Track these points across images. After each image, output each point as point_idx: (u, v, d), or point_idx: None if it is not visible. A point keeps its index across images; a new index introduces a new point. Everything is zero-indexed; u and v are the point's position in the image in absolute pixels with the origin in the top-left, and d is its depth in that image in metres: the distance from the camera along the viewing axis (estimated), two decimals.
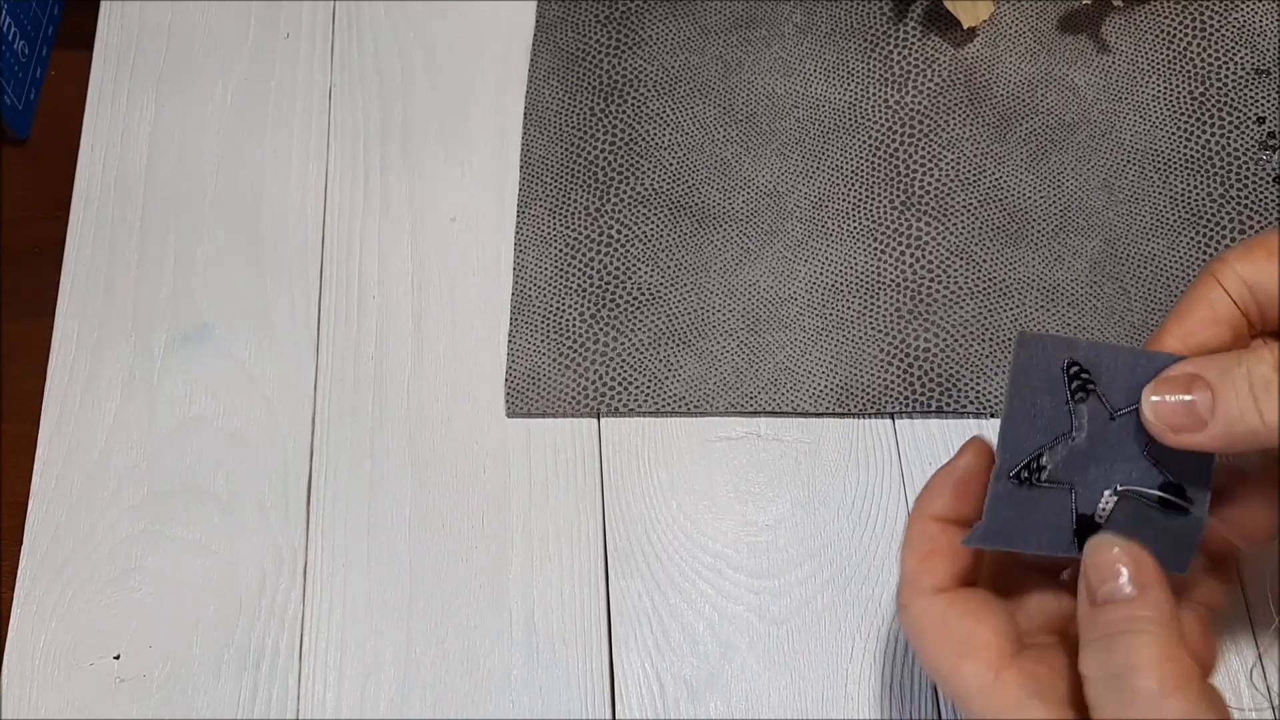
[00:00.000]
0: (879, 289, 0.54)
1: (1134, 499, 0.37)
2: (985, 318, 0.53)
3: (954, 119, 0.57)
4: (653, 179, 0.57)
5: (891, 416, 0.52)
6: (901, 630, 0.48)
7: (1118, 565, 0.35)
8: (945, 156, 0.57)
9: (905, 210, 0.56)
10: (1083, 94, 0.58)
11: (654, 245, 0.55)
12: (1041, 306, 0.54)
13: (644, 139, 0.58)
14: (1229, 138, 0.56)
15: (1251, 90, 0.57)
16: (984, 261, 0.55)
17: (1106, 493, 0.37)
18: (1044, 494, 0.37)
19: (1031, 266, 0.54)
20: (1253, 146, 0.56)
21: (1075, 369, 0.36)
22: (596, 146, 0.57)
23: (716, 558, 0.50)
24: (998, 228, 0.55)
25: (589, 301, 0.54)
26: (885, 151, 0.57)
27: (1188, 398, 0.35)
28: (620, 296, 0.54)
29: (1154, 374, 0.36)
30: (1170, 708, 0.33)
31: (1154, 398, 0.36)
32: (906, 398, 0.52)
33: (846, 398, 0.52)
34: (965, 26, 0.58)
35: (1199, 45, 0.58)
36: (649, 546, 0.50)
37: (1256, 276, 0.37)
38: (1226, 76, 0.58)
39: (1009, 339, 0.53)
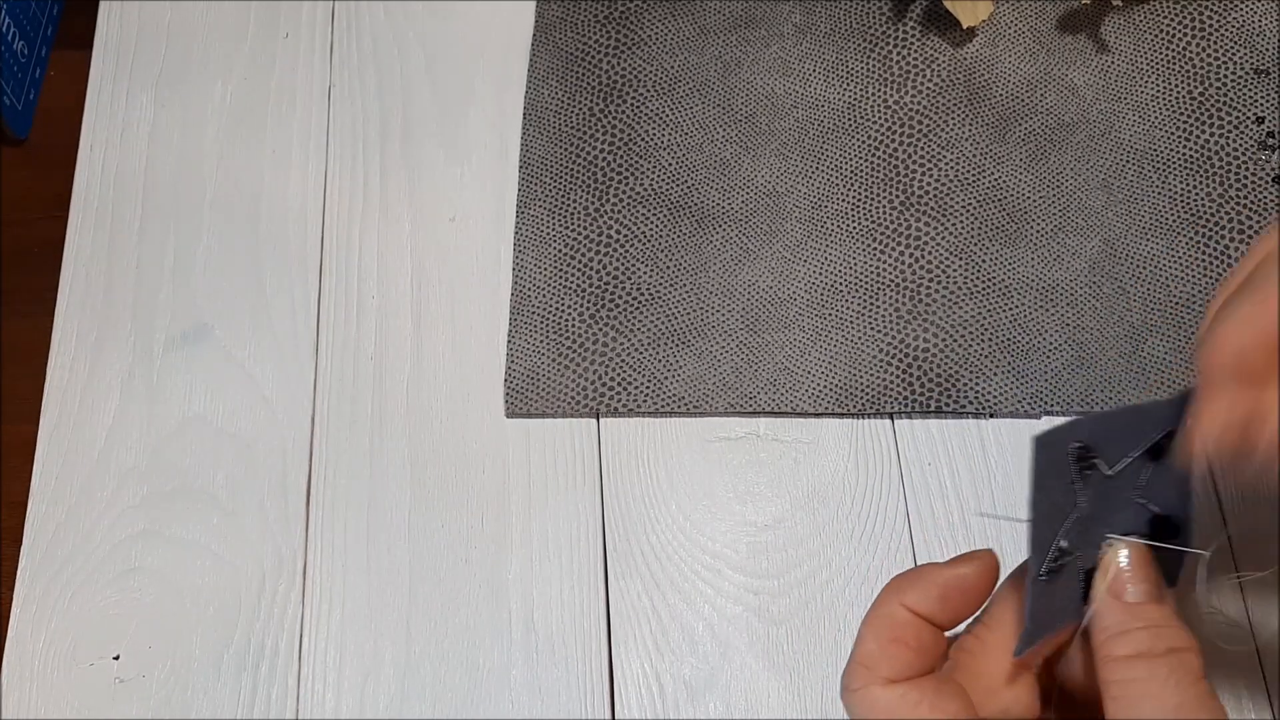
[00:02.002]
0: (878, 289, 0.54)
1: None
2: (985, 318, 0.53)
3: (953, 119, 0.57)
4: (652, 179, 0.57)
5: (891, 416, 0.53)
6: None
7: (1135, 569, 0.36)
8: (944, 156, 0.57)
9: (904, 210, 0.56)
10: (1082, 94, 0.58)
11: (653, 245, 0.55)
12: (1040, 306, 0.54)
13: (643, 139, 0.58)
14: (1228, 138, 0.56)
15: (1251, 90, 0.57)
16: (983, 261, 0.55)
17: (1103, 544, 0.36)
18: (1066, 571, 0.37)
19: (1031, 266, 0.54)
20: (1252, 146, 0.56)
21: (1079, 448, 0.36)
22: (596, 147, 0.57)
23: (716, 558, 0.50)
24: (997, 228, 0.55)
25: (588, 301, 0.54)
26: (884, 151, 0.57)
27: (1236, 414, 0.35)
28: (619, 296, 0.54)
29: (1143, 424, 0.36)
30: (1205, 686, 0.34)
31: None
32: (906, 398, 0.52)
33: (846, 398, 0.52)
34: (965, 26, 0.58)
35: (1198, 45, 0.58)
36: (648, 547, 0.50)
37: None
38: (1226, 76, 0.58)
39: (1008, 339, 0.53)
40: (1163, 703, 0.34)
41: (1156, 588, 0.36)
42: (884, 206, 0.56)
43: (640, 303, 0.54)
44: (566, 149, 0.58)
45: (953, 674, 0.37)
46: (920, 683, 0.37)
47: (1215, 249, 0.54)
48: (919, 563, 0.50)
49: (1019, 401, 0.52)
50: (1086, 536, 0.37)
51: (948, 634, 0.38)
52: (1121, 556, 0.36)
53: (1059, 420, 0.40)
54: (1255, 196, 0.55)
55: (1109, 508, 0.37)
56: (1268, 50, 0.58)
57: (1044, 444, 0.36)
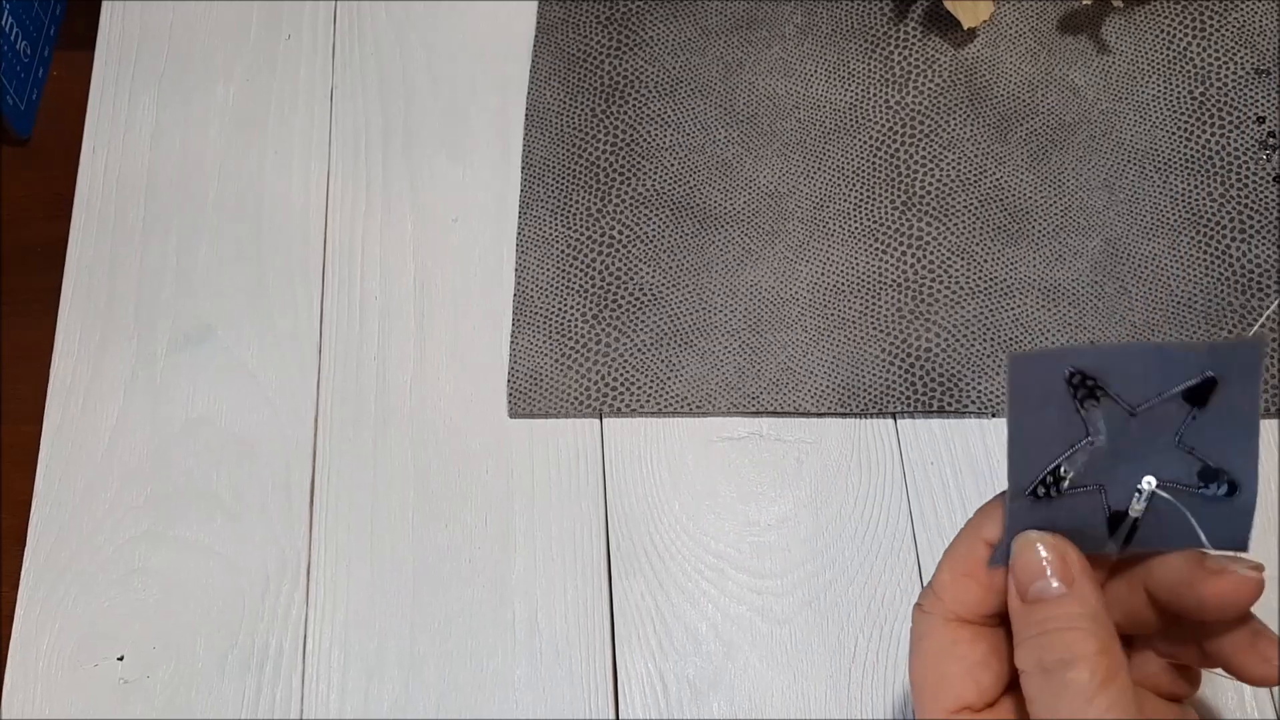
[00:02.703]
0: (880, 289, 0.54)
1: (1174, 489, 0.36)
2: (986, 317, 0.54)
3: (955, 119, 0.58)
4: (654, 180, 0.57)
5: (893, 416, 0.53)
6: (905, 630, 0.48)
7: (1044, 563, 0.35)
8: (946, 157, 0.57)
9: (906, 210, 0.56)
10: (1083, 94, 0.58)
11: (656, 246, 0.56)
12: (1042, 306, 0.54)
13: (645, 140, 0.58)
14: (1229, 137, 0.57)
15: (1251, 90, 0.58)
16: (985, 261, 0.55)
17: (1142, 486, 0.36)
18: (1073, 500, 0.36)
19: (1032, 266, 0.55)
20: (1253, 146, 0.56)
21: (1079, 377, 0.36)
22: (598, 148, 0.58)
23: (719, 558, 0.50)
24: (999, 228, 0.55)
25: (591, 302, 0.54)
26: (886, 152, 0.57)
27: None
28: (622, 297, 0.55)
29: (1167, 367, 0.35)
30: (1102, 700, 0.33)
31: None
32: (908, 397, 0.52)
33: (848, 397, 0.52)
34: (965, 27, 0.58)
35: (1199, 45, 0.59)
36: (651, 546, 0.50)
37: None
38: (1226, 76, 0.58)
39: (1010, 338, 0.53)
40: None
41: (1066, 578, 0.35)
42: (886, 206, 0.56)
43: (643, 303, 0.54)
44: (568, 150, 0.58)
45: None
46: (979, 632, 0.37)
47: (1216, 248, 0.54)
48: (921, 562, 0.50)
49: None
50: (1111, 474, 0.36)
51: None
52: (1033, 545, 0.36)
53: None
54: (1256, 196, 0.55)
55: (1139, 450, 0.36)
56: (1268, 50, 0.58)
57: (1025, 364, 0.35)
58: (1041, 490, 0.36)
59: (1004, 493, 0.37)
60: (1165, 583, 0.37)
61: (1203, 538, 0.36)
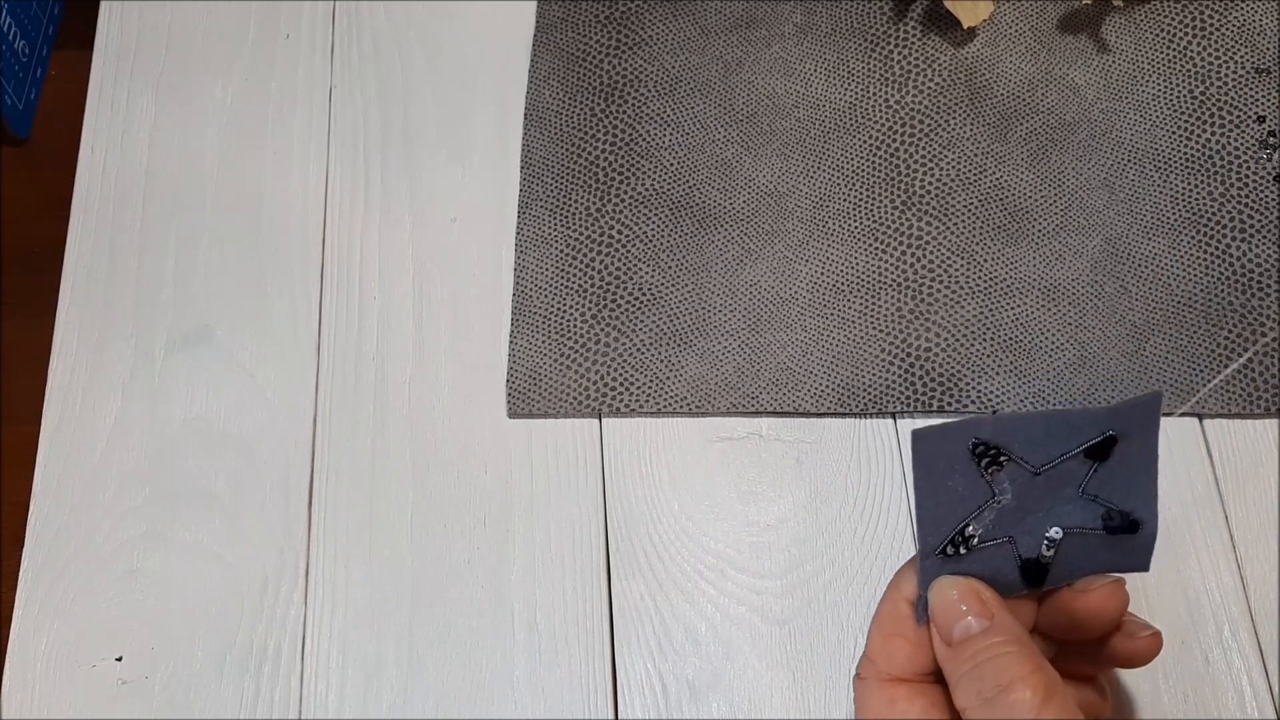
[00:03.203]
0: (880, 289, 0.54)
1: (1079, 533, 0.39)
2: (986, 317, 0.53)
3: (954, 119, 0.57)
4: (653, 179, 0.57)
5: (893, 416, 0.53)
6: None
7: (960, 605, 0.37)
8: (946, 156, 0.57)
9: (906, 210, 0.56)
10: (1083, 93, 0.58)
11: (655, 245, 0.55)
12: (1042, 306, 0.54)
13: (644, 139, 0.58)
14: (1229, 137, 0.57)
15: (1251, 89, 0.57)
16: (985, 261, 0.55)
17: (1049, 535, 0.38)
18: (983, 553, 0.38)
19: (1032, 266, 0.54)
20: (1253, 145, 0.56)
21: (981, 447, 0.37)
22: (597, 147, 0.57)
23: (719, 558, 0.50)
24: (998, 227, 0.55)
25: (590, 302, 0.54)
26: (886, 151, 0.57)
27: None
28: (621, 297, 0.54)
29: (1067, 431, 0.37)
30: (1048, 713, 0.34)
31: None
32: (908, 397, 0.52)
33: (848, 397, 0.52)
34: (965, 26, 0.58)
35: (1199, 45, 0.58)
36: (651, 547, 0.50)
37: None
38: (1226, 76, 0.58)
39: (1010, 338, 0.53)
40: None
41: (985, 614, 0.37)
42: (885, 206, 0.56)
43: (642, 303, 0.54)
44: (568, 149, 0.58)
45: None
46: (917, 689, 0.38)
47: (1217, 248, 0.54)
48: None
49: (1021, 400, 0.52)
50: (1019, 527, 0.38)
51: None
52: (948, 588, 0.37)
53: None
54: (1256, 195, 0.55)
55: (1044, 502, 0.38)
56: (1268, 49, 0.58)
57: (926, 439, 0.37)
58: (951, 549, 0.38)
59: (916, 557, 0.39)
60: (1046, 614, 0.39)
61: (1108, 568, 0.39)
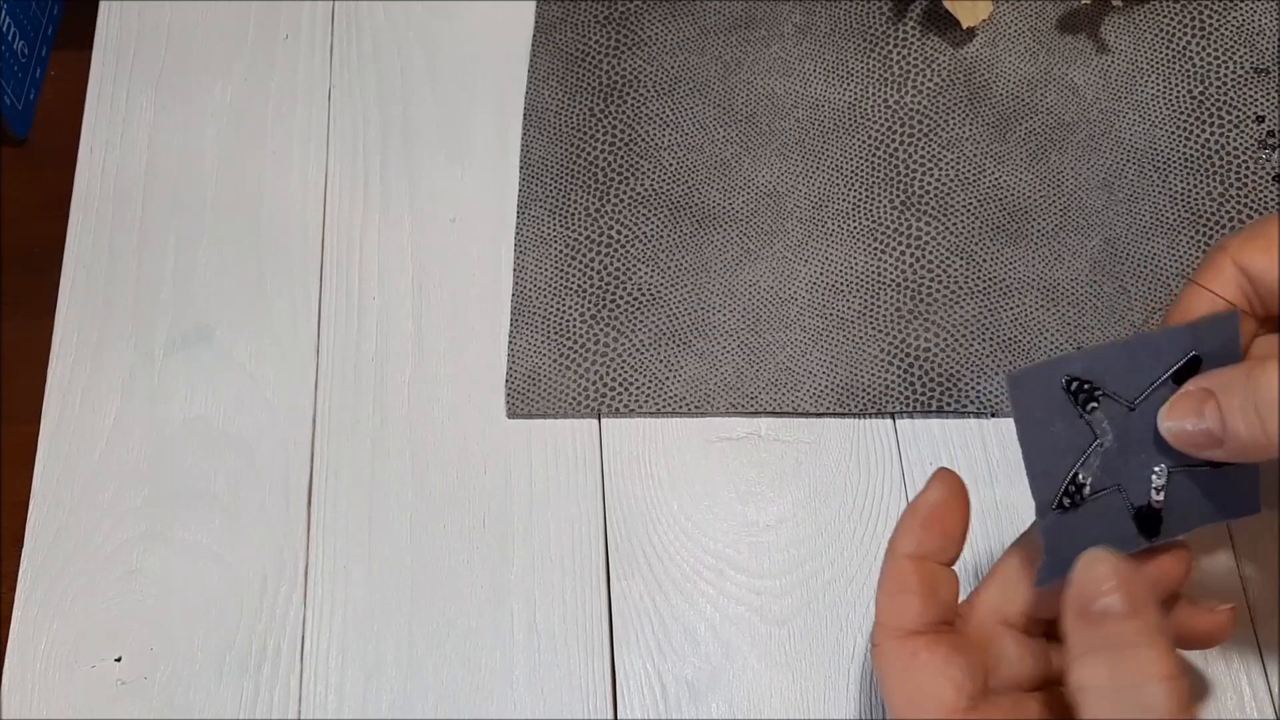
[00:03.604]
0: (879, 289, 0.54)
1: (1183, 471, 0.38)
2: (986, 317, 0.53)
3: (954, 119, 0.57)
4: (653, 179, 0.57)
5: (892, 416, 0.53)
6: None
7: (1111, 581, 0.36)
8: (945, 156, 0.57)
9: (905, 210, 0.56)
10: (1082, 93, 0.58)
11: (654, 246, 0.55)
12: (1042, 306, 0.54)
13: (644, 139, 0.58)
14: (1228, 137, 0.57)
15: (1251, 89, 0.57)
16: (984, 261, 0.55)
17: (1154, 477, 0.38)
18: (1097, 504, 0.38)
19: (1032, 266, 0.54)
20: (1252, 145, 0.56)
21: (1076, 384, 0.37)
22: (596, 147, 0.57)
23: (718, 558, 0.50)
24: (998, 227, 0.55)
25: (589, 302, 0.54)
26: (885, 151, 0.57)
27: (1202, 425, 0.36)
28: (620, 297, 0.54)
29: (1152, 355, 0.37)
30: None
31: (1169, 424, 0.37)
32: (907, 397, 0.52)
33: (847, 398, 0.52)
34: (965, 26, 0.58)
35: (1198, 45, 0.58)
36: (650, 547, 0.50)
37: (1255, 267, 0.38)
38: (1226, 76, 0.58)
39: (1010, 338, 0.53)
40: None
41: (1135, 599, 0.35)
42: (885, 206, 0.56)
43: (641, 303, 0.54)
44: (567, 149, 0.58)
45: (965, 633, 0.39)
46: (934, 639, 0.38)
47: None
48: None
49: None
50: (1125, 471, 0.37)
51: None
52: (1099, 562, 0.36)
53: None
54: (1256, 195, 0.55)
55: (1143, 442, 0.37)
56: (1268, 49, 0.58)
57: (1022, 381, 0.37)
58: (1066, 501, 0.38)
59: (912, 503, 0.39)
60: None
61: (1219, 513, 0.38)
